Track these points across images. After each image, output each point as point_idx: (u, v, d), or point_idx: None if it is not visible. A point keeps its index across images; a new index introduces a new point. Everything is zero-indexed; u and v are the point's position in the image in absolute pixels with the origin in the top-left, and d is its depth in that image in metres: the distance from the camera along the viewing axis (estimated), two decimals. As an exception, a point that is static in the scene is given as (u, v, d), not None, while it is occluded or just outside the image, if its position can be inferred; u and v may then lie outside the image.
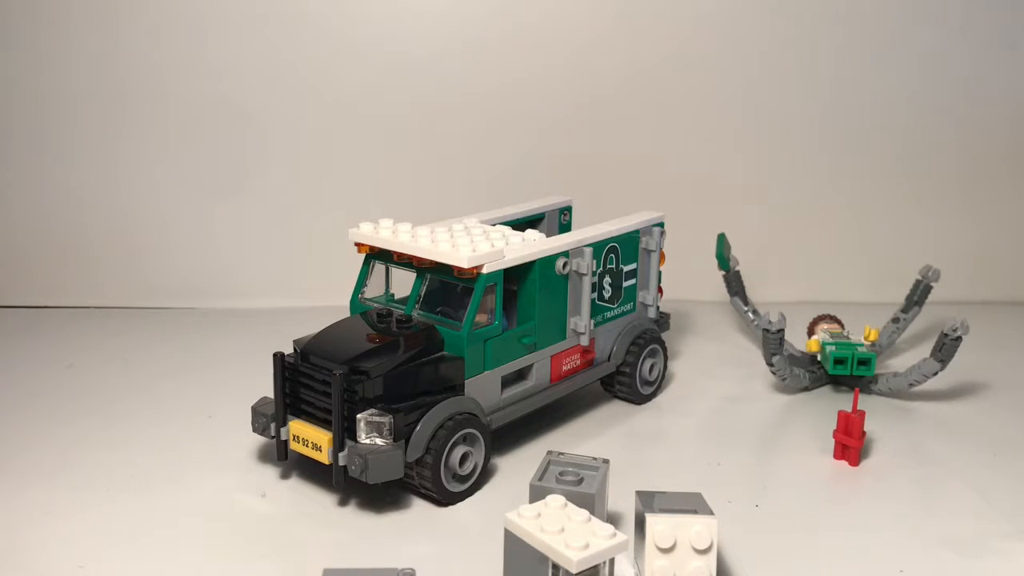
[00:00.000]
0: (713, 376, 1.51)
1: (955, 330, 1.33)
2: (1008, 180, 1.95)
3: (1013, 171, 1.95)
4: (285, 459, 1.12)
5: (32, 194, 1.82)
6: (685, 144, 1.89)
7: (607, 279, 1.31)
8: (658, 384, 1.43)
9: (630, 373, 1.36)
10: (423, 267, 1.17)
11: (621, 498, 1.07)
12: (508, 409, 1.19)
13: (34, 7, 1.74)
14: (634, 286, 1.37)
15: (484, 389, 1.15)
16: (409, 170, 1.85)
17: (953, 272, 1.74)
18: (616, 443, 1.27)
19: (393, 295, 1.25)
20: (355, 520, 1.06)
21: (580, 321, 1.25)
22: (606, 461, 1.01)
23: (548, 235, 1.39)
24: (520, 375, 1.22)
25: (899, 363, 1.55)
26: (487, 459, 1.14)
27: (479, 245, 1.13)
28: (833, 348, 1.40)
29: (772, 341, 1.33)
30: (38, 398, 1.38)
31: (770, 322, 1.31)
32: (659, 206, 1.44)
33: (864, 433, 1.21)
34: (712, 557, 0.89)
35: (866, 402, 1.37)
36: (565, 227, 1.50)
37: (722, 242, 1.54)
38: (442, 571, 0.95)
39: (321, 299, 1.67)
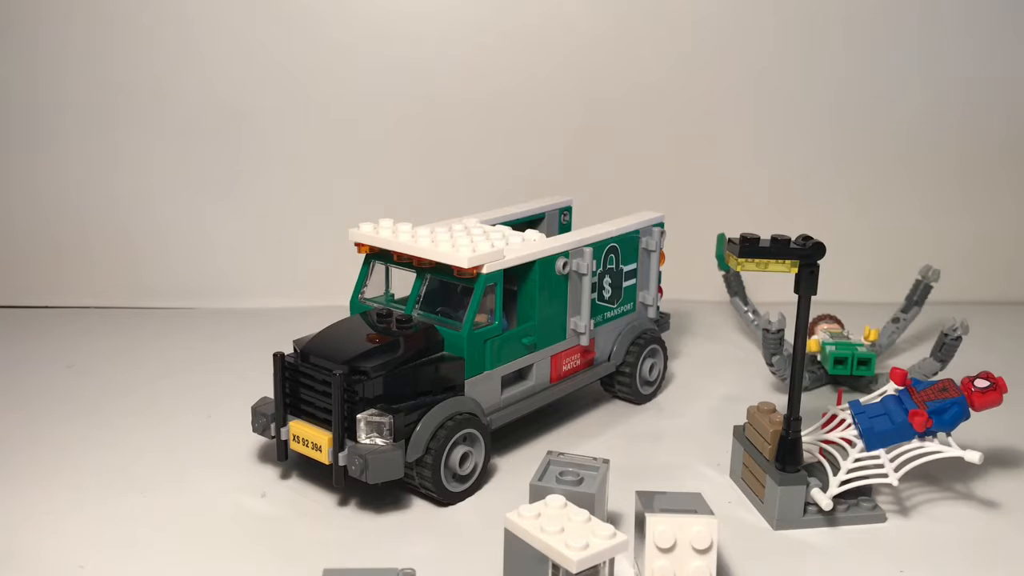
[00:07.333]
0: (713, 376, 1.51)
1: (955, 330, 1.33)
2: (1008, 180, 1.95)
3: (1013, 171, 1.95)
4: (285, 459, 1.12)
5: (31, 194, 1.82)
6: (685, 144, 1.89)
7: (607, 279, 1.31)
8: (658, 384, 1.43)
9: (630, 373, 1.36)
10: (423, 267, 1.17)
11: (621, 498, 1.07)
12: (508, 409, 1.19)
13: (30, 7, 1.74)
14: (634, 286, 1.37)
15: (484, 389, 1.15)
16: (409, 170, 1.85)
17: (953, 272, 1.74)
18: (616, 443, 1.27)
19: (393, 295, 1.25)
20: (355, 520, 1.06)
21: (580, 321, 1.25)
22: (606, 461, 1.01)
23: (548, 235, 1.39)
24: (520, 375, 1.22)
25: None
26: (487, 459, 1.14)
27: (479, 245, 1.13)
28: (833, 348, 1.40)
29: (772, 341, 1.33)
30: (38, 398, 1.38)
31: (770, 322, 1.31)
32: (659, 206, 1.44)
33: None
34: (712, 557, 0.89)
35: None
36: (565, 227, 1.50)
37: (722, 242, 1.54)
38: (442, 571, 0.95)
39: (321, 299, 1.67)
